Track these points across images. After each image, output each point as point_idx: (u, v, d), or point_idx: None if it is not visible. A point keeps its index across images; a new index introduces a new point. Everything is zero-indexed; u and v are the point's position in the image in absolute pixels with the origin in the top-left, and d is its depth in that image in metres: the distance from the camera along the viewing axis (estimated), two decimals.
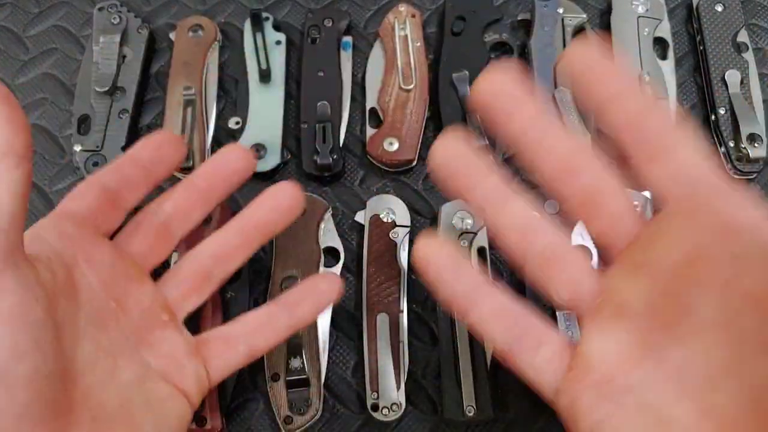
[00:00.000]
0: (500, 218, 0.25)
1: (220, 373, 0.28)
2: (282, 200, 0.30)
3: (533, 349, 0.25)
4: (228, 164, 0.30)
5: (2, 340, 0.20)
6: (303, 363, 0.35)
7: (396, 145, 0.40)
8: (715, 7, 0.43)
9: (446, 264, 0.26)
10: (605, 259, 0.25)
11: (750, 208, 0.22)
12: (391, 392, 0.34)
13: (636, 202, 0.25)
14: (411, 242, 0.39)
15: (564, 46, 0.43)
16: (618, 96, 0.24)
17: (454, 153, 0.26)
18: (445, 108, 0.42)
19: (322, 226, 0.38)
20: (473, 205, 0.26)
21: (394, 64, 0.42)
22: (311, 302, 0.30)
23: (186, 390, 0.27)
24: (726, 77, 0.41)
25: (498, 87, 0.25)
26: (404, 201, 0.39)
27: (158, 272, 0.29)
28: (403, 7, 0.44)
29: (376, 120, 0.42)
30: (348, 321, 0.38)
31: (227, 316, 0.36)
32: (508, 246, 0.25)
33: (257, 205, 0.30)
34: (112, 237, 0.28)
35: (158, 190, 0.30)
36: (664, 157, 0.23)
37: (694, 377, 0.21)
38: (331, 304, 0.30)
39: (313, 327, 0.36)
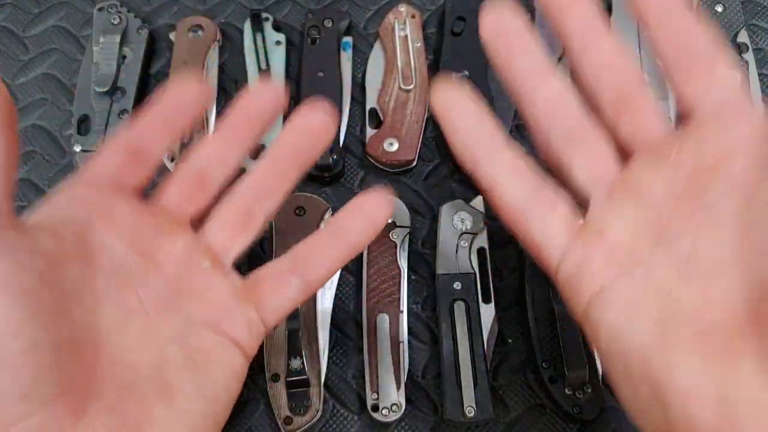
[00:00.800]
0: (538, 91, 0.26)
1: (276, 314, 0.26)
2: (311, 123, 0.28)
3: (549, 209, 0.25)
4: (258, 101, 0.28)
5: None
6: (303, 363, 0.35)
7: (396, 146, 0.40)
8: (715, 8, 0.43)
9: (469, 109, 0.26)
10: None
11: None
12: (391, 392, 0.34)
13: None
14: (411, 242, 0.39)
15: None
16: (667, 13, 0.25)
17: (507, 19, 0.26)
18: None
19: (323, 226, 0.38)
20: (511, 75, 0.26)
21: (394, 65, 0.42)
22: (360, 227, 0.27)
23: (236, 338, 0.25)
24: None
25: None
26: (404, 201, 0.39)
27: None
28: (403, 8, 0.44)
29: (376, 120, 0.42)
30: (348, 321, 0.38)
31: None
32: (536, 119, 0.26)
33: (287, 133, 0.28)
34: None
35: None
36: (704, 72, 0.24)
37: (702, 264, 0.22)
38: (384, 224, 0.27)
39: (313, 327, 0.36)
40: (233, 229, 0.27)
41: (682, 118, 0.25)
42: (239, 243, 0.27)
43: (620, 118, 0.25)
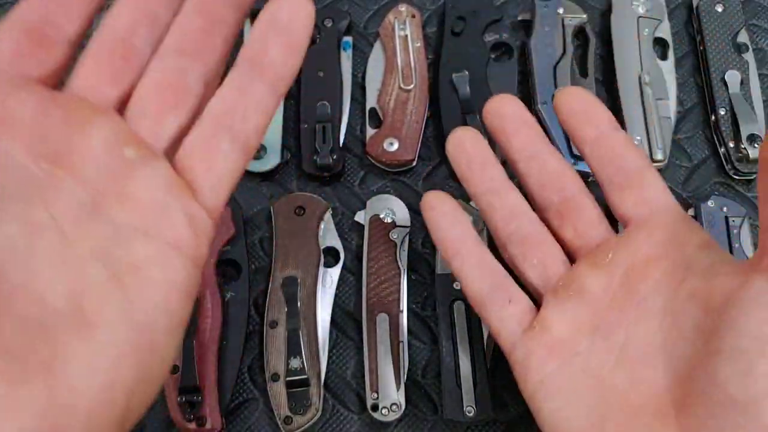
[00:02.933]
0: (497, 201, 0.30)
1: (216, 194, 0.22)
2: None
3: (503, 302, 0.28)
4: None
5: None
6: (303, 363, 0.35)
7: (396, 145, 0.40)
8: (715, 8, 0.43)
9: (447, 211, 0.30)
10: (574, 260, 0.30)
11: (700, 230, 0.27)
12: (390, 392, 0.34)
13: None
14: (411, 242, 0.39)
15: (564, 46, 0.43)
16: (604, 135, 0.29)
17: (470, 136, 0.30)
18: (445, 108, 0.42)
19: (322, 226, 0.38)
20: (472, 185, 0.30)
21: (394, 64, 0.42)
22: (279, 42, 0.22)
23: (177, 239, 0.20)
24: (726, 78, 0.41)
25: (509, 107, 0.30)
26: (404, 201, 0.39)
27: None
28: (403, 7, 0.44)
29: (376, 120, 0.42)
30: (348, 321, 0.38)
31: (227, 317, 0.36)
32: (495, 224, 0.30)
33: None
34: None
35: None
36: (636, 187, 0.28)
37: (633, 353, 0.25)
38: (307, 36, 0.22)
39: (313, 327, 0.36)
40: (162, 106, 0.22)
41: (622, 222, 0.29)
42: (171, 122, 0.22)
43: (564, 224, 0.29)
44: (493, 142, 0.32)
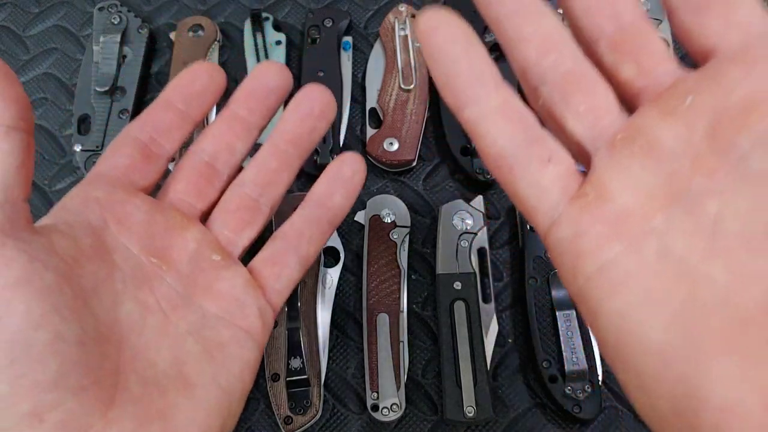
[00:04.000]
0: (527, 27, 0.21)
1: (281, 296, 0.27)
2: (311, 106, 0.27)
3: (541, 161, 0.21)
4: (263, 84, 0.27)
5: (14, 309, 0.19)
6: (303, 363, 0.35)
7: (396, 145, 0.40)
8: None
9: (457, 34, 0.21)
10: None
11: None
12: (391, 392, 0.34)
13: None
14: (411, 242, 0.39)
15: None
16: None
17: None
18: (445, 108, 0.42)
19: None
20: (496, 12, 0.22)
21: (394, 64, 0.42)
22: (342, 191, 0.28)
23: (249, 327, 0.25)
24: None
25: None
26: (404, 201, 0.39)
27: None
28: (403, 7, 0.44)
29: (376, 120, 0.42)
30: (348, 321, 0.38)
31: None
32: (525, 58, 0.21)
33: (287, 119, 0.28)
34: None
35: None
36: (725, 6, 0.20)
37: (731, 234, 0.17)
38: (361, 184, 0.28)
39: (313, 327, 0.36)
40: (239, 223, 0.27)
41: (697, 60, 0.21)
42: (246, 235, 0.27)
43: (622, 59, 0.21)
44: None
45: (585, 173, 0.21)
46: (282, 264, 0.27)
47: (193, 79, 0.27)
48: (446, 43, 0.21)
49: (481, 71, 0.21)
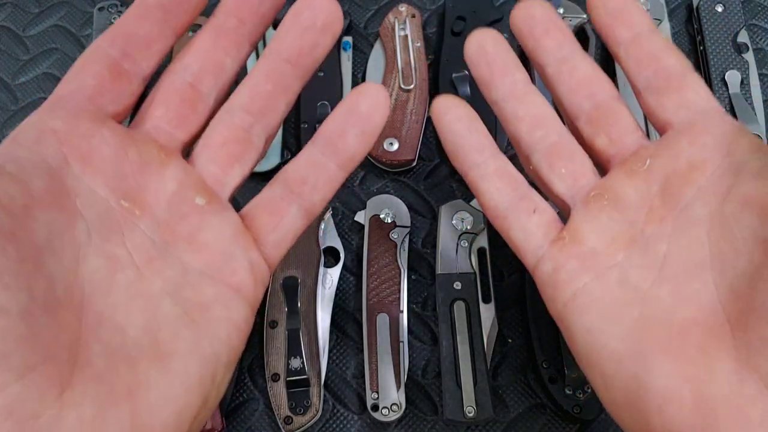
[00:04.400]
0: (521, 108, 0.27)
1: (278, 250, 0.24)
2: (313, 16, 0.23)
3: (528, 213, 0.26)
4: None
5: None
6: (303, 363, 0.35)
7: (396, 145, 0.40)
8: (716, 8, 0.43)
9: (462, 116, 0.27)
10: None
11: (749, 133, 0.24)
12: (391, 392, 0.34)
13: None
14: (411, 242, 0.39)
15: None
16: (641, 36, 0.26)
17: (491, 38, 0.27)
18: None
19: (322, 226, 0.38)
20: (494, 90, 0.27)
21: (394, 64, 0.42)
22: (357, 130, 0.24)
23: (239, 285, 0.22)
24: (726, 78, 0.41)
25: (537, 10, 0.27)
26: (404, 201, 0.39)
27: None
28: (403, 7, 0.44)
29: None
30: (348, 321, 0.38)
31: None
32: (519, 134, 0.27)
33: (283, 32, 0.24)
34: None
35: None
36: (678, 89, 0.25)
37: (677, 266, 0.22)
38: (382, 125, 0.25)
39: (313, 327, 0.36)
40: (228, 158, 0.23)
41: (658, 131, 0.26)
42: (236, 173, 0.24)
43: (597, 132, 0.26)
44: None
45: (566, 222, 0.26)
46: (280, 212, 0.24)
47: None
48: (454, 123, 0.27)
49: (481, 144, 0.27)
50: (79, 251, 0.20)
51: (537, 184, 0.27)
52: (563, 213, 0.27)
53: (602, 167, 0.27)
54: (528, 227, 0.26)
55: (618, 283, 0.23)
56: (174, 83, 0.23)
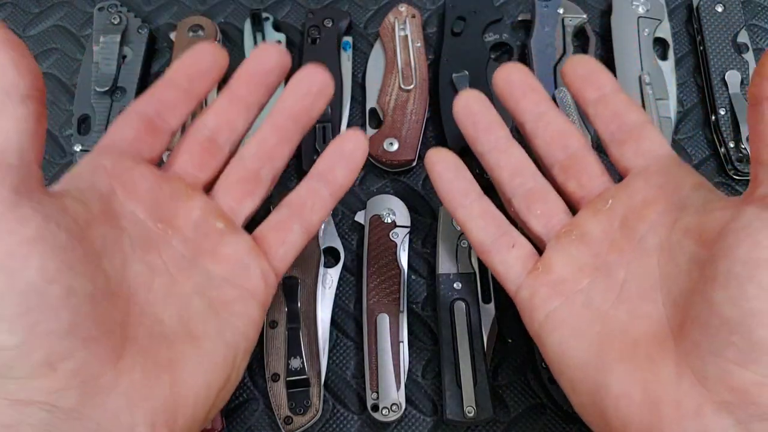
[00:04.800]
0: (503, 159, 0.32)
1: (284, 261, 0.29)
2: (310, 84, 0.30)
3: (507, 247, 0.30)
4: (263, 64, 0.30)
5: (29, 263, 0.20)
6: (303, 363, 0.35)
7: (396, 146, 0.40)
8: (716, 8, 0.43)
9: (450, 165, 0.32)
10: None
11: (695, 174, 0.28)
12: (391, 392, 0.34)
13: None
14: (411, 242, 0.39)
15: (564, 46, 0.43)
16: (607, 96, 0.31)
17: (476, 99, 0.32)
18: (445, 108, 0.42)
19: (322, 226, 0.38)
20: (479, 144, 0.32)
21: (394, 64, 0.42)
22: (343, 165, 0.30)
23: (253, 289, 0.27)
24: (726, 78, 0.41)
25: (517, 74, 0.32)
26: (404, 201, 0.39)
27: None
28: (403, 8, 0.44)
29: (376, 120, 0.42)
30: (348, 321, 0.38)
31: None
32: (501, 180, 0.32)
33: (287, 96, 0.30)
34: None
35: None
36: (636, 140, 0.30)
37: (633, 289, 0.27)
38: (363, 161, 0.30)
39: (313, 327, 0.36)
40: (242, 193, 0.29)
41: (622, 176, 0.30)
42: (248, 205, 0.29)
43: (568, 178, 0.31)
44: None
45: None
46: (286, 230, 0.29)
47: (197, 59, 0.29)
48: (444, 172, 0.32)
49: (467, 189, 0.32)
50: (126, 258, 0.25)
51: (518, 222, 0.32)
52: (540, 248, 0.30)
53: (574, 207, 0.31)
54: (508, 260, 0.30)
55: (583, 305, 0.27)
56: (196, 136, 0.29)
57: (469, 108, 0.32)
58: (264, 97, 0.30)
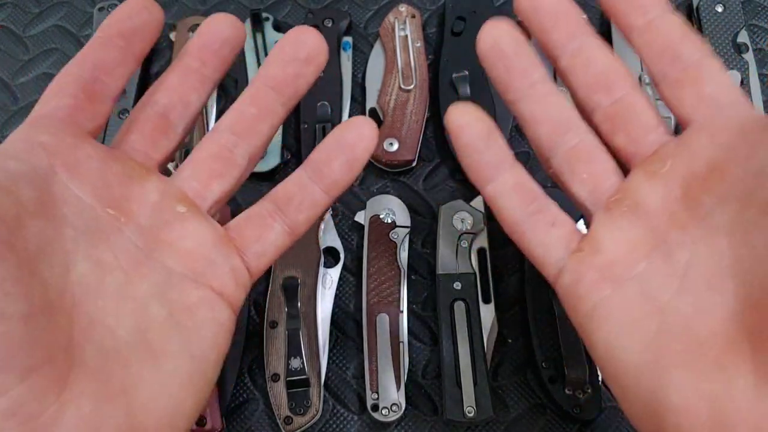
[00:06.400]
0: (540, 111, 0.26)
1: (261, 260, 0.25)
2: (297, 48, 0.26)
3: (547, 226, 0.25)
4: (216, 35, 0.26)
5: None
6: (303, 363, 0.35)
7: (396, 146, 0.40)
8: (716, 8, 0.43)
9: (479, 131, 0.26)
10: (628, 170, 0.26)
11: None
12: (391, 392, 0.34)
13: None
14: (411, 242, 0.39)
15: None
16: (655, 22, 0.25)
17: (507, 35, 0.26)
18: (445, 108, 0.41)
19: (322, 226, 0.38)
20: (512, 90, 0.26)
21: (394, 65, 0.42)
22: (342, 158, 0.26)
23: (221, 288, 0.23)
24: None
25: (541, 1, 0.26)
26: (404, 201, 0.39)
27: None
28: (403, 8, 0.44)
29: (376, 120, 0.42)
30: (348, 321, 0.38)
31: None
32: (539, 136, 0.26)
33: (271, 62, 0.26)
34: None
35: None
36: (695, 81, 0.24)
37: (697, 276, 0.22)
38: (367, 156, 0.26)
39: (313, 327, 0.36)
40: (209, 173, 0.25)
41: (682, 126, 0.25)
42: (216, 188, 0.25)
43: (615, 129, 0.25)
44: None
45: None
46: (264, 225, 0.25)
47: (129, 14, 0.25)
48: (475, 141, 0.26)
49: (500, 158, 0.26)
50: (69, 256, 0.21)
51: (558, 185, 0.27)
52: (586, 219, 0.26)
53: (626, 165, 0.26)
54: (546, 241, 0.25)
55: (637, 294, 0.23)
56: (146, 113, 0.25)
57: (499, 46, 0.26)
58: (218, 70, 0.26)
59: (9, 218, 0.19)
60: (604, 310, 0.23)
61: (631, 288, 0.23)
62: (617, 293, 0.23)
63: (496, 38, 0.26)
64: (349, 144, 0.26)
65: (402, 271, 0.37)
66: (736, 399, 0.19)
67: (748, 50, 0.42)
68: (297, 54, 0.26)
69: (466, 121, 0.26)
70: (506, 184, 0.26)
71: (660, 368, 0.21)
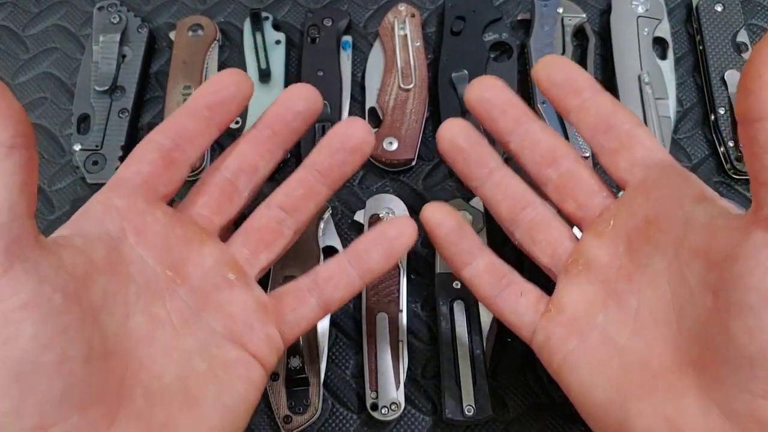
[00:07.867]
0: (499, 193, 0.30)
1: (293, 330, 0.28)
2: (345, 140, 0.28)
3: (516, 297, 0.29)
4: (291, 107, 0.29)
5: (23, 332, 0.19)
6: (302, 362, 0.35)
7: (395, 145, 0.40)
8: (715, 7, 0.43)
9: (453, 225, 0.29)
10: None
11: (696, 182, 0.26)
12: (390, 392, 0.34)
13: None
14: None
15: (564, 46, 0.43)
16: (587, 102, 0.28)
17: (462, 132, 0.30)
18: (444, 108, 0.42)
19: (322, 225, 0.38)
20: (473, 179, 0.30)
21: (393, 64, 0.42)
22: (381, 250, 0.28)
23: (256, 352, 0.26)
24: (726, 77, 0.41)
25: (490, 91, 0.29)
26: (404, 201, 0.39)
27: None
28: (402, 7, 0.44)
29: (376, 119, 0.42)
30: (347, 321, 0.38)
31: None
32: (501, 214, 0.30)
33: (319, 150, 0.29)
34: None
35: None
36: (628, 148, 0.28)
37: (646, 317, 0.25)
38: (406, 251, 0.29)
39: (313, 327, 0.36)
40: (259, 244, 0.28)
41: (621, 188, 0.28)
42: (265, 257, 0.28)
43: (564, 198, 0.29)
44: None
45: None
46: (301, 299, 0.28)
47: (219, 86, 0.27)
48: (449, 235, 0.29)
49: (471, 247, 0.29)
50: (128, 310, 0.24)
51: (525, 254, 0.30)
52: (554, 281, 0.29)
53: (580, 227, 0.29)
54: (517, 310, 0.29)
55: (599, 341, 0.26)
56: (215, 178, 0.28)
57: (455, 143, 0.30)
58: (289, 141, 0.29)
59: (79, 274, 0.22)
60: (573, 358, 0.26)
61: (593, 337, 0.26)
62: (582, 343, 0.26)
63: (452, 136, 0.30)
64: (390, 238, 0.28)
65: (401, 270, 0.37)
66: (689, 418, 0.22)
67: (747, 50, 0.42)
68: (345, 145, 0.28)
69: (438, 219, 0.29)
70: (479, 267, 0.29)
71: (623, 401, 0.24)
